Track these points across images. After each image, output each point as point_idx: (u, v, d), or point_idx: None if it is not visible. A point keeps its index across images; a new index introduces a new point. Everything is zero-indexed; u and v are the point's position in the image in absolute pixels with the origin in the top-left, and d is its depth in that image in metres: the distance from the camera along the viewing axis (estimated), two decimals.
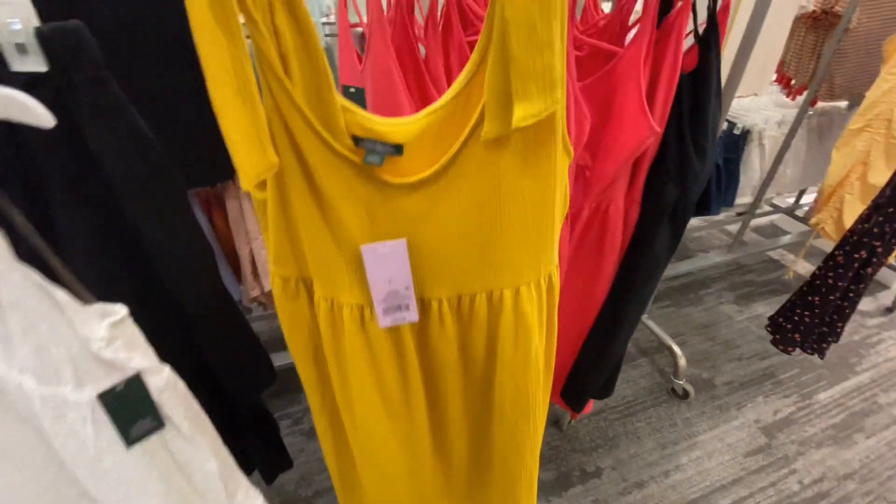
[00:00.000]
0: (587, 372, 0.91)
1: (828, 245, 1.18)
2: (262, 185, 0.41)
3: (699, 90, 0.66)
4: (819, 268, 1.13)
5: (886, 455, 1.29)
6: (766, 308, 1.83)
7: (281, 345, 0.66)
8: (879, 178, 1.07)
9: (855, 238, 1.04)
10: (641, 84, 0.62)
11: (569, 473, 1.24)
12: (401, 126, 0.39)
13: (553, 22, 0.31)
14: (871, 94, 1.19)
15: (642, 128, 0.63)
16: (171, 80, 0.72)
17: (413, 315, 0.45)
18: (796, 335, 1.20)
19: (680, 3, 0.62)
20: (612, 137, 0.66)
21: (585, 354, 0.89)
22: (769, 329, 1.27)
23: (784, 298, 1.26)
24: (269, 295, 1.26)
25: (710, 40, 0.65)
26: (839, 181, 1.20)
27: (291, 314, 0.49)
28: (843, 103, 1.70)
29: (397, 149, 0.39)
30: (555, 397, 1.00)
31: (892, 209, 0.98)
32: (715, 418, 1.40)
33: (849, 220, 1.10)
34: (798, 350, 1.24)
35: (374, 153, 0.39)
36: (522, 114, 0.34)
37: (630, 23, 0.76)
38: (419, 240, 0.42)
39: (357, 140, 0.38)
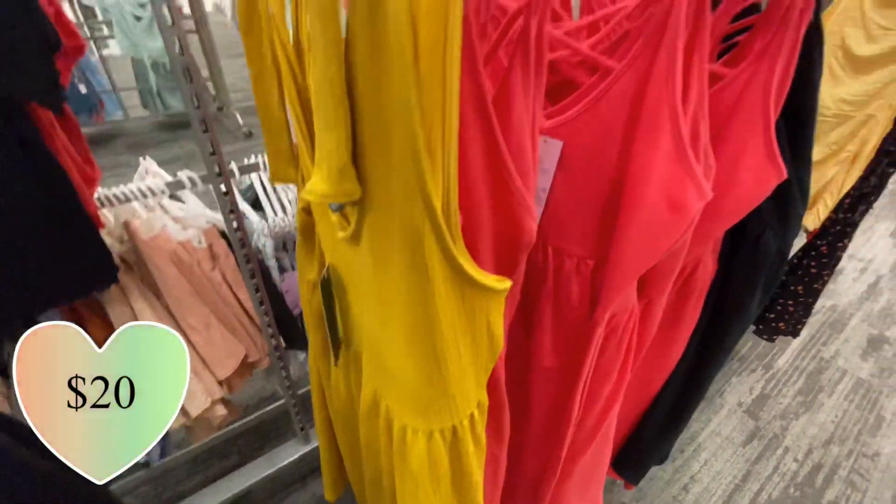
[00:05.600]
0: (654, 442, 0.77)
1: None
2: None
3: (803, 110, 0.52)
4: (798, 258, 1.13)
5: (849, 409, 1.41)
6: None
7: None
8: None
9: (838, 228, 1.04)
10: (771, 117, 0.45)
11: None
12: None
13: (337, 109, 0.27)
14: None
15: (770, 176, 0.47)
16: None
17: None
18: (781, 324, 1.21)
19: None
20: (721, 189, 0.48)
21: (652, 423, 0.75)
22: (753, 323, 1.26)
23: None
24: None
25: (812, 41, 0.50)
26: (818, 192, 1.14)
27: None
28: None
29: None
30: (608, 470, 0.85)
31: (874, 198, 0.99)
32: (706, 412, 1.40)
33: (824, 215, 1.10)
34: (779, 336, 1.26)
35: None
36: (311, 186, 0.30)
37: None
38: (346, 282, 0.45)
39: None
